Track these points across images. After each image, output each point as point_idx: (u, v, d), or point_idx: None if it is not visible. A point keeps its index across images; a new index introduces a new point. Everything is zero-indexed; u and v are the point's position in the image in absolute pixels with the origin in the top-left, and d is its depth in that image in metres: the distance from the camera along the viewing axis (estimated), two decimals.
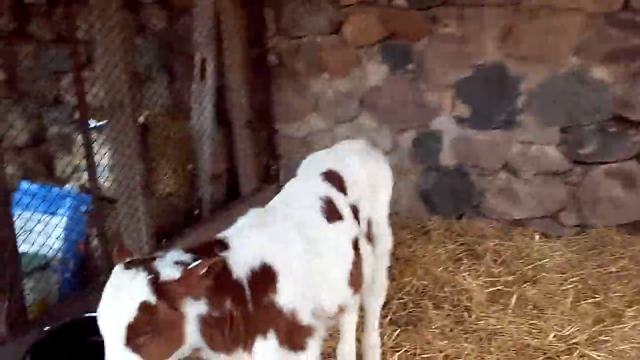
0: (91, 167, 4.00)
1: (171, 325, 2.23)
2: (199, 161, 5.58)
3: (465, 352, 3.90)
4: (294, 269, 2.65)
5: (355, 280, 3.05)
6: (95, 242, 4.50)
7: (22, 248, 3.86)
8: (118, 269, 2.24)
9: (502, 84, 5.38)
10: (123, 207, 4.53)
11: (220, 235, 2.65)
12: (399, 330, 4.13)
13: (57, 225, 4.45)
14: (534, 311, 4.30)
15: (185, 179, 5.49)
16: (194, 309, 2.30)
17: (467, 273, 4.74)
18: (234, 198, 5.90)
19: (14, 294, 3.53)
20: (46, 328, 3.53)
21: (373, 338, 3.81)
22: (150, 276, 2.17)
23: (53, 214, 4.52)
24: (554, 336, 3.99)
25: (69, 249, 4.48)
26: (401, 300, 4.47)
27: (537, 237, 5.30)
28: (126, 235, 4.54)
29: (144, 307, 2.12)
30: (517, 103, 5.37)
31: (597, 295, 4.45)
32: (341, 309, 2.99)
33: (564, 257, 5.00)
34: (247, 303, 2.44)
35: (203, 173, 5.58)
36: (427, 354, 3.92)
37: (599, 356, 3.81)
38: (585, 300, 4.40)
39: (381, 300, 3.80)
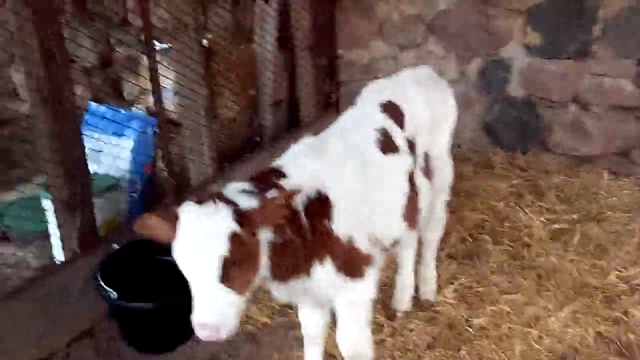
0: (156, 90, 4.05)
1: (253, 253, 2.28)
2: (260, 87, 5.56)
3: (522, 288, 3.89)
4: (348, 198, 2.65)
5: (410, 215, 3.03)
6: (160, 164, 4.62)
7: (92, 168, 4.01)
8: (190, 208, 2.20)
9: (578, 10, 5.07)
10: (187, 131, 4.61)
11: (275, 164, 2.67)
12: (455, 263, 4.13)
13: (124, 147, 4.58)
14: (597, 250, 4.22)
15: (247, 104, 5.50)
16: (264, 237, 2.34)
17: (528, 209, 4.66)
18: (294, 125, 5.91)
19: (85, 212, 3.69)
20: (115, 246, 3.72)
21: (430, 270, 3.85)
22: (233, 207, 2.17)
23: (121, 135, 4.64)
24: (616, 276, 3.92)
25: (136, 170, 4.62)
26: (460, 234, 4.45)
27: (605, 174, 5.12)
28: (190, 158, 4.64)
29: (234, 237, 2.13)
30: (592, 32, 5.06)
31: None
32: (396, 242, 3.00)
33: (633, 196, 4.84)
34: (305, 230, 2.48)
35: (264, 99, 5.57)
36: (482, 287, 3.93)
37: None
38: None
39: (439, 234, 3.80)
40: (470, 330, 3.58)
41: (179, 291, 3.42)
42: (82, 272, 3.58)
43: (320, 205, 2.55)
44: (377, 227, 2.77)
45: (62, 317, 3.57)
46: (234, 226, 2.15)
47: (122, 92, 5.84)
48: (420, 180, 3.16)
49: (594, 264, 4.08)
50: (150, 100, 4.60)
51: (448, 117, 3.58)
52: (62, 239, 3.64)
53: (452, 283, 3.95)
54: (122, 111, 4.98)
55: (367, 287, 2.75)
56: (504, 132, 5.67)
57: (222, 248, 2.12)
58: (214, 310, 2.16)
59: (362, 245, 2.68)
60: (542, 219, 4.57)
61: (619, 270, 3.99)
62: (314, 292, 2.67)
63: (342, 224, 2.60)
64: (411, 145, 3.18)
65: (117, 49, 5.66)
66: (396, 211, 2.93)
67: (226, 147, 5.08)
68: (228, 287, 2.17)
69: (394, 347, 3.48)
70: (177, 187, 4.44)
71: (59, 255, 3.77)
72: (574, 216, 4.61)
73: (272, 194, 2.28)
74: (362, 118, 3.12)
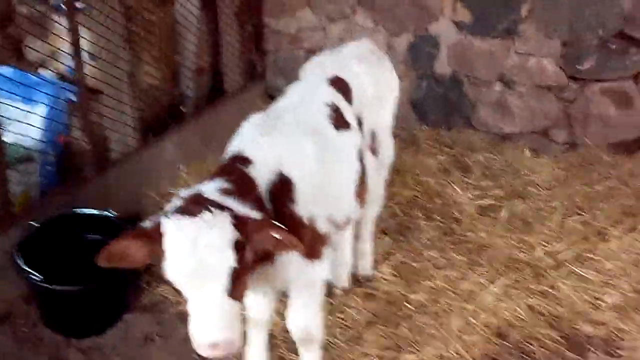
0: (77, 54, 3.71)
1: (251, 259, 2.11)
2: (183, 53, 5.27)
3: (455, 264, 3.94)
4: (309, 178, 2.55)
5: (361, 192, 2.98)
6: (77, 134, 4.27)
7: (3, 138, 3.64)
8: (181, 221, 1.98)
9: None
10: (107, 98, 4.29)
11: (235, 149, 2.51)
12: (389, 239, 4.12)
13: (36, 114, 4.17)
14: (523, 226, 4.34)
15: (169, 71, 5.19)
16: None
17: (456, 185, 4.72)
18: (218, 95, 5.66)
19: None
20: (33, 222, 3.41)
21: (367, 246, 3.82)
22: (230, 213, 2.01)
23: (30, 101, 4.22)
24: (542, 251, 4.05)
25: (50, 140, 4.24)
26: (391, 210, 4.44)
27: (527, 152, 5.28)
28: (110, 128, 4.32)
29: (238, 245, 1.98)
30: (520, 11, 5.16)
31: (583, 213, 4.50)
32: (348, 221, 2.93)
33: (553, 173, 5.01)
34: (270, 215, 2.35)
35: (187, 65, 5.29)
36: (417, 262, 3.95)
37: (585, 273, 3.90)
38: (571, 217, 4.45)
39: (377, 210, 3.78)
40: (409, 306, 3.59)
41: (103, 271, 3.23)
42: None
43: (283, 187, 2.43)
44: (333, 207, 2.67)
45: None
46: (236, 234, 1.98)
47: (24, 53, 5.33)
48: (369, 157, 3.09)
49: (522, 239, 4.19)
50: (60, 63, 4.23)
51: (391, 93, 3.53)
52: None
53: (387, 259, 3.94)
54: (31, 75, 4.53)
55: (323, 268, 2.68)
56: (430, 109, 5.71)
57: (230, 260, 1.96)
58: (225, 325, 1.97)
59: (322, 225, 2.58)
60: (469, 195, 4.65)
61: (545, 246, 4.13)
62: (273, 278, 2.54)
63: (304, 206, 2.50)
64: (359, 122, 3.10)
65: (19, 5, 5.13)
66: (350, 190, 2.85)
67: (149, 116, 4.77)
68: (234, 298, 2.00)
69: (334, 324, 3.43)
70: (97, 159, 4.14)
71: None
72: (500, 192, 4.72)
73: (277, 227, 2.11)
74: (311, 93, 3.00)
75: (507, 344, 3.39)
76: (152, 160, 4.40)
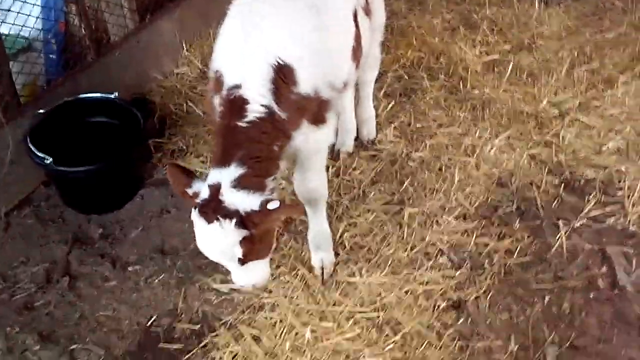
0: None
1: (267, 234, 2.48)
2: None
3: (459, 121, 3.98)
4: (309, 51, 2.56)
5: (356, 55, 2.95)
6: (76, 21, 4.26)
7: (1, 30, 3.67)
8: (198, 219, 2.37)
9: None
10: None
11: (218, 65, 2.57)
12: (393, 102, 4.14)
13: (33, 3, 4.15)
14: (529, 79, 4.30)
15: None
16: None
17: (462, 43, 4.64)
18: None
19: (2, 78, 3.43)
20: (41, 111, 3.51)
21: (368, 110, 3.85)
22: (236, 219, 2.32)
23: None
24: (547, 102, 4.04)
25: (50, 28, 4.25)
26: (396, 73, 4.42)
27: (536, 3, 5.09)
28: (107, 11, 4.29)
29: (244, 240, 2.35)
30: None
31: (592, 62, 4.43)
32: (345, 85, 2.93)
33: (563, 24, 4.87)
34: (278, 118, 2.48)
35: None
36: (421, 123, 3.99)
37: (589, 120, 3.90)
38: (580, 67, 4.38)
39: (374, 74, 3.77)
40: (412, 164, 3.68)
41: (115, 150, 3.37)
42: (11, 141, 3.39)
43: (284, 77, 2.47)
44: (332, 73, 2.68)
45: None
46: (241, 232, 2.34)
47: None
48: (363, 18, 3.03)
49: (527, 92, 4.18)
50: None
51: None
52: None
53: (391, 122, 3.99)
54: None
55: (328, 131, 2.75)
56: None
57: (234, 253, 2.39)
58: (243, 278, 2.58)
59: (324, 92, 2.62)
60: (476, 52, 4.58)
61: (551, 97, 4.11)
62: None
63: (306, 82, 2.53)
64: None
65: None
66: (347, 53, 2.83)
67: None
68: (250, 261, 2.46)
69: (339, 186, 3.55)
70: (96, 44, 4.15)
71: None
72: (507, 47, 4.64)
73: (274, 204, 2.35)
74: None
75: (508, 191, 3.49)
76: (152, 41, 4.38)
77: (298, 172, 2.89)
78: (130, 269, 3.18)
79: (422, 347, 2.74)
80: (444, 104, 4.15)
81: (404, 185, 3.53)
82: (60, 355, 2.81)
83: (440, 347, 2.74)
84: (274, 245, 2.67)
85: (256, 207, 2.34)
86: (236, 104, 2.44)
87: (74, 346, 2.84)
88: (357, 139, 3.85)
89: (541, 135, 3.83)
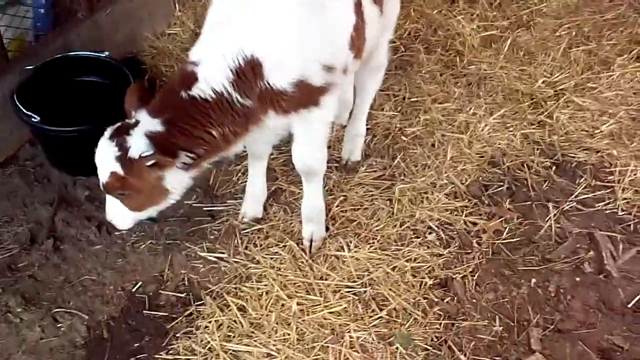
0: None
1: (149, 188, 2.53)
2: None
3: (454, 97, 3.94)
4: (296, 33, 2.50)
5: (358, 42, 2.80)
6: None
7: None
8: (104, 137, 2.50)
9: None
10: None
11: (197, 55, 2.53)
12: (388, 74, 4.06)
13: None
14: (526, 57, 4.26)
15: None
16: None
17: (461, 17, 4.56)
18: None
19: None
20: (29, 67, 3.41)
21: (359, 128, 3.57)
22: (119, 153, 2.43)
23: None
24: (543, 82, 4.01)
25: None
26: (393, 44, 4.34)
27: None
28: None
29: (114, 175, 2.47)
30: None
31: (590, 43, 4.38)
32: (344, 69, 2.83)
33: (562, 2, 4.79)
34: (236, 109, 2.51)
35: None
36: (416, 97, 3.95)
37: (583, 102, 3.88)
38: (577, 47, 4.34)
39: (376, 85, 3.48)
40: (405, 139, 3.65)
41: (100, 111, 3.29)
42: None
43: (250, 69, 2.45)
44: (325, 54, 2.58)
45: None
46: (116, 168, 2.45)
47: None
48: (370, 8, 2.90)
49: (523, 70, 4.14)
50: None
51: None
52: None
53: (387, 94, 3.93)
54: None
55: (322, 113, 2.69)
56: None
57: (104, 177, 2.51)
58: (106, 208, 2.71)
59: (315, 77, 2.55)
60: (474, 26, 4.51)
61: (546, 76, 4.07)
62: (275, 128, 2.71)
63: (291, 69, 2.48)
64: None
65: None
66: (343, 39, 2.70)
67: None
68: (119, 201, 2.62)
69: (330, 156, 3.50)
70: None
71: None
72: (505, 23, 4.57)
73: (148, 160, 2.42)
74: None
75: (499, 171, 3.48)
76: (145, 0, 4.27)
77: (295, 144, 2.84)
78: (116, 233, 3.14)
79: (408, 323, 2.76)
80: (439, 78, 4.10)
81: (396, 160, 3.51)
82: (43, 318, 2.79)
83: (426, 325, 2.75)
84: (148, 206, 2.66)
85: (136, 154, 2.43)
86: (188, 78, 2.49)
87: (57, 310, 2.82)
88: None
89: (535, 115, 3.81)
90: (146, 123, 2.46)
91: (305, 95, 2.58)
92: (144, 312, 2.83)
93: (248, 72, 2.45)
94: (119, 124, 2.51)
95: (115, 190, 2.54)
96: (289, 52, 2.50)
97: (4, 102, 3.28)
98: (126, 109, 2.56)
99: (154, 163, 2.43)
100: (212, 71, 2.45)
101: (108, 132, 2.50)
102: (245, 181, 3.29)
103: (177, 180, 2.58)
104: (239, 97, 2.47)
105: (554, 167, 3.49)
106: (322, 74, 2.58)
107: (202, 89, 2.45)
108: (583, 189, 3.36)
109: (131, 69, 3.56)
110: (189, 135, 2.48)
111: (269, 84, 2.48)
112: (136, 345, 2.72)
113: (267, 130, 2.72)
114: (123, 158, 2.42)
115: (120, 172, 2.44)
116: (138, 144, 2.42)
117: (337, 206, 3.26)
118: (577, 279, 2.95)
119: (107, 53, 3.58)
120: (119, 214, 2.68)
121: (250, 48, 2.44)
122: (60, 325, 2.77)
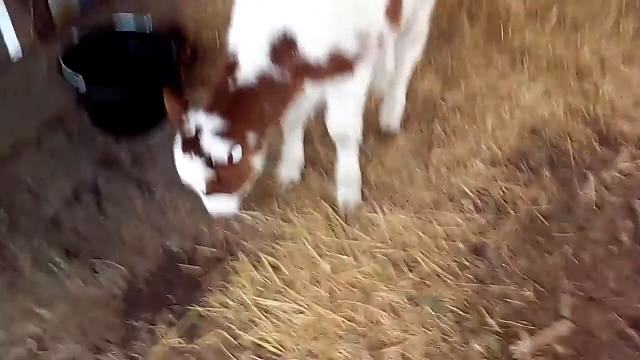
0: None
1: (231, 176, 2.61)
2: None
3: (497, 66, 3.87)
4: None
5: (393, 12, 2.78)
6: None
7: None
8: (179, 157, 2.55)
9: None
10: None
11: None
12: (430, 44, 3.99)
13: None
14: (573, 27, 4.14)
15: None
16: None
17: None
18: None
19: (38, 3, 3.46)
20: (75, 36, 3.53)
21: (398, 96, 3.53)
22: (203, 161, 2.48)
23: None
24: (589, 51, 3.90)
25: None
26: (436, 13, 4.27)
27: None
28: None
29: (211, 182, 2.56)
30: None
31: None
32: (379, 38, 2.82)
33: None
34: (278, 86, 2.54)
35: None
36: (458, 65, 3.90)
37: (630, 73, 3.76)
38: (627, 17, 4.18)
39: (416, 53, 3.42)
40: (445, 105, 3.61)
41: (146, 79, 3.38)
42: (44, 64, 3.46)
43: (284, 43, 2.45)
44: (358, 22, 2.57)
45: (28, 108, 3.50)
46: (207, 172, 2.52)
47: None
48: None
49: (569, 39, 4.03)
50: None
51: None
52: (18, 35, 3.46)
53: (429, 62, 3.89)
54: None
55: (357, 82, 2.69)
56: None
57: (201, 187, 2.60)
58: (210, 206, 2.81)
59: (349, 46, 2.54)
60: None
61: (593, 46, 3.95)
62: (310, 99, 2.77)
63: (323, 39, 2.48)
64: None
65: None
66: (378, 8, 2.68)
67: None
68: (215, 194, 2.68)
69: (368, 123, 3.49)
70: None
71: (16, 52, 3.56)
72: None
73: (237, 154, 2.47)
74: None
75: (540, 140, 3.41)
76: None
77: (330, 111, 2.86)
78: (157, 193, 3.23)
79: (438, 286, 2.75)
80: (483, 48, 4.03)
81: (435, 127, 3.48)
82: (83, 270, 2.90)
83: (455, 288, 2.74)
84: (245, 185, 2.75)
85: (224, 154, 2.46)
86: (230, 66, 2.52)
87: (97, 262, 2.93)
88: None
89: (580, 84, 3.71)
90: (208, 123, 2.47)
91: (340, 65, 2.58)
92: (180, 265, 2.91)
93: (283, 47, 2.46)
94: (183, 141, 2.53)
95: (217, 192, 2.65)
96: (323, 22, 2.49)
97: (51, 67, 3.41)
98: (175, 118, 2.55)
99: (238, 153, 2.48)
100: (250, 55, 2.48)
101: (179, 151, 2.54)
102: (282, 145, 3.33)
103: (256, 160, 2.68)
104: (278, 72, 2.50)
105: (596, 137, 3.40)
106: (356, 44, 2.57)
107: (245, 73, 2.49)
108: (625, 159, 3.26)
109: (174, 37, 3.64)
110: (248, 119, 2.54)
111: (304, 55, 2.49)
112: (171, 297, 2.80)
113: (305, 100, 2.75)
114: (210, 163, 2.48)
115: (214, 177, 2.53)
116: (216, 145, 2.46)
117: (372, 171, 3.26)
118: (613, 248, 2.88)
119: (149, 16, 3.66)
120: (223, 206, 2.80)
121: (282, 21, 2.44)
122: (99, 277, 2.88)
